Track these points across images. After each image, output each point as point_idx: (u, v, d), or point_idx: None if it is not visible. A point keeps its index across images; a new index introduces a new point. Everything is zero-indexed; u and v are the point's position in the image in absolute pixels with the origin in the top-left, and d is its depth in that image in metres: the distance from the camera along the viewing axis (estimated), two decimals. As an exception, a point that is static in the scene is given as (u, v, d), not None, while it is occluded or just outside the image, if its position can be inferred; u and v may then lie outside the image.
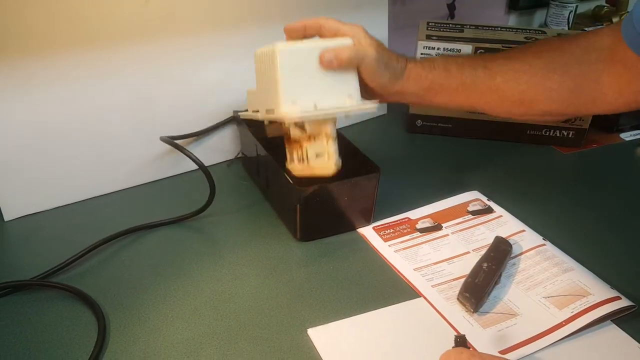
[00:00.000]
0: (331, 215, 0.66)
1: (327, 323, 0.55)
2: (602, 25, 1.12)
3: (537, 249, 0.64)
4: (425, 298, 0.58)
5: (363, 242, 0.66)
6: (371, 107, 0.56)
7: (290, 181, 0.63)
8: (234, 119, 0.81)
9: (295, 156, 0.58)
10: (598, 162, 0.84)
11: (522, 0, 1.14)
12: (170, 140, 0.71)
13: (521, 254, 0.63)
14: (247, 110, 0.67)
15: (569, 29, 1.09)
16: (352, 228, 0.68)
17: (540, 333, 0.53)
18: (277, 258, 0.64)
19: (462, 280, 0.58)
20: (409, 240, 0.66)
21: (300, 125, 0.56)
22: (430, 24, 0.89)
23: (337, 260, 0.63)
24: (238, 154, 0.82)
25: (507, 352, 0.51)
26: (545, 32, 0.88)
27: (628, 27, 0.52)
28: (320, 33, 0.58)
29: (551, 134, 0.86)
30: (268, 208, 0.73)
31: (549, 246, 0.64)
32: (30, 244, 0.67)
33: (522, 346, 0.52)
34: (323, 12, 0.60)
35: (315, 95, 0.54)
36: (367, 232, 0.68)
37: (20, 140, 0.67)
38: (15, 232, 0.69)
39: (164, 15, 0.70)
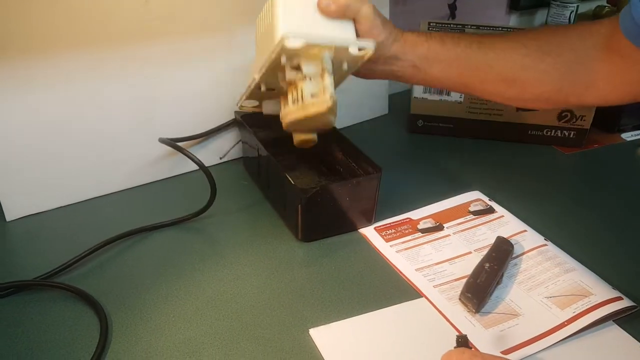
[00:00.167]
0: (333, 215, 0.66)
1: (329, 323, 0.55)
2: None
3: (538, 249, 0.64)
4: (427, 298, 0.58)
5: (365, 242, 0.66)
6: (369, 45, 0.56)
7: (292, 182, 0.63)
8: (235, 121, 0.81)
9: (290, 99, 0.57)
10: (599, 163, 0.84)
11: (523, 0, 1.14)
12: (169, 141, 0.71)
13: (523, 254, 0.63)
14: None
15: (570, 29, 1.09)
16: (354, 228, 0.68)
17: (542, 333, 0.53)
18: (279, 258, 0.64)
19: (464, 280, 0.58)
20: (410, 240, 0.66)
21: (296, 66, 0.55)
22: (431, 24, 0.88)
23: (339, 260, 0.63)
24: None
25: (509, 353, 0.51)
26: (546, 32, 0.88)
27: (626, 17, 0.52)
28: None
29: (552, 134, 0.86)
30: (269, 208, 0.73)
31: (551, 246, 0.64)
32: (32, 244, 0.67)
33: (524, 346, 0.52)
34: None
35: (313, 28, 0.55)
36: (369, 232, 0.68)
37: (21, 141, 0.68)
38: (17, 232, 0.69)
39: (164, 15, 0.70)
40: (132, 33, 0.69)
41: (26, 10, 0.62)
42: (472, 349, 0.46)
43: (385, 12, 0.90)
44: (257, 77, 0.60)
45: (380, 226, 0.69)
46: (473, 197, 0.74)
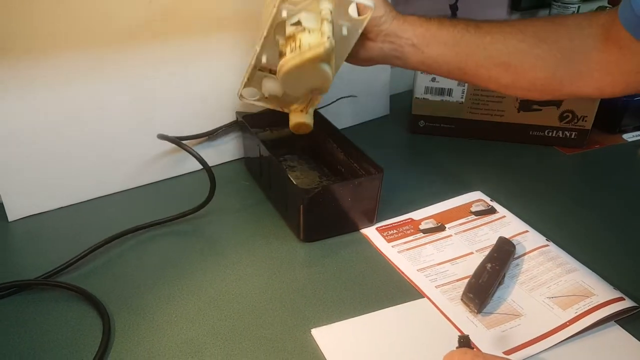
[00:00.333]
0: (334, 216, 0.66)
1: (331, 323, 0.55)
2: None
3: (540, 249, 0.64)
4: (428, 298, 0.58)
5: (366, 242, 0.66)
6: (368, 3, 0.58)
7: (294, 182, 0.63)
8: (237, 122, 0.81)
9: (287, 50, 0.57)
10: (601, 163, 0.84)
11: (524, 1, 1.14)
12: (168, 137, 0.71)
13: (524, 254, 0.63)
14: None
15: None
16: (356, 229, 0.68)
17: (544, 334, 0.53)
18: (281, 258, 0.64)
19: (466, 280, 0.58)
20: (412, 240, 0.66)
21: (296, 22, 0.56)
22: (432, 24, 0.89)
23: (341, 260, 0.63)
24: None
25: (511, 353, 0.51)
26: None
27: (626, 8, 0.52)
28: None
29: (554, 135, 0.86)
30: (271, 208, 0.73)
31: (552, 247, 0.64)
32: (34, 244, 0.67)
33: (526, 347, 0.52)
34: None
35: None
36: (371, 232, 0.68)
37: (23, 141, 0.68)
38: (19, 232, 0.69)
39: (167, 15, 0.70)
40: (134, 33, 0.70)
41: (28, 11, 0.62)
42: (474, 350, 0.46)
43: (387, 13, 0.90)
44: (258, 47, 0.60)
45: (382, 226, 0.69)
46: (475, 198, 0.74)
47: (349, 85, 0.86)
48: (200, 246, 0.67)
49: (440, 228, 0.69)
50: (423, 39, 0.61)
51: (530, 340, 0.52)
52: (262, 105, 0.70)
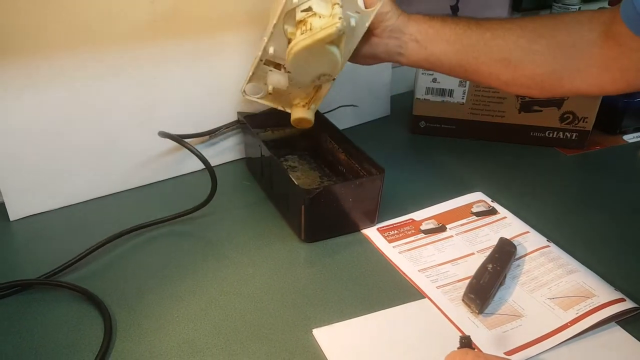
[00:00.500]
0: (336, 216, 0.66)
1: (332, 323, 0.55)
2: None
3: (541, 250, 0.64)
4: (430, 299, 0.58)
5: (367, 243, 0.67)
6: None
7: (295, 182, 0.63)
8: (238, 122, 0.81)
9: (298, 32, 0.58)
10: (601, 164, 0.84)
11: (525, 2, 1.14)
12: (169, 134, 0.70)
13: (525, 255, 0.63)
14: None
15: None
16: (357, 229, 0.68)
17: (545, 334, 0.53)
18: (282, 259, 0.64)
19: (467, 281, 0.58)
20: (413, 241, 0.67)
21: (307, 8, 0.57)
22: (434, 25, 0.89)
23: (342, 261, 0.63)
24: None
25: (512, 354, 0.51)
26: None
27: (627, 4, 0.52)
28: None
29: (554, 136, 0.87)
30: (272, 209, 0.73)
31: (553, 247, 0.64)
32: (35, 244, 0.67)
33: (527, 347, 0.52)
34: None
35: None
36: (372, 233, 0.68)
37: (24, 140, 0.68)
38: (20, 231, 0.69)
39: (168, 15, 0.70)
40: (135, 33, 0.70)
41: (28, 11, 0.62)
42: (476, 350, 0.46)
43: (388, 14, 0.90)
44: (266, 37, 0.61)
45: (383, 227, 0.69)
46: (475, 199, 0.74)
47: (350, 85, 0.86)
48: (202, 246, 0.67)
49: (441, 229, 0.69)
50: (426, 35, 0.62)
51: (531, 341, 0.52)
52: (264, 103, 0.70)
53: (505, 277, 0.59)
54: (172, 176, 0.80)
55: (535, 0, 1.15)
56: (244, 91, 0.69)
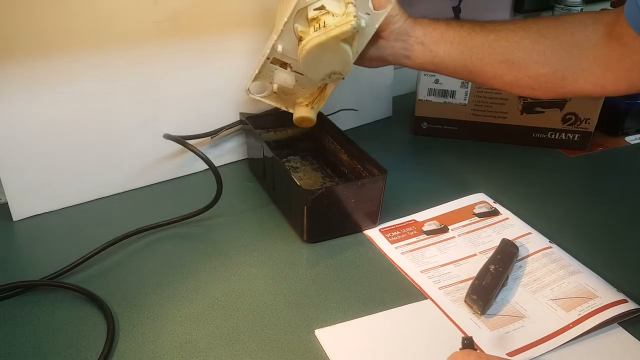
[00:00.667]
0: (338, 217, 0.66)
1: (335, 324, 0.55)
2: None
3: (543, 251, 0.64)
4: (432, 300, 0.58)
5: (369, 243, 0.67)
6: None
7: (298, 183, 0.63)
8: (241, 121, 0.81)
9: (311, 30, 0.58)
10: (603, 165, 0.84)
11: (527, 3, 1.14)
12: (174, 137, 0.71)
13: (528, 256, 0.63)
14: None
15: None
16: (359, 230, 0.68)
17: (548, 335, 0.53)
18: (284, 259, 0.64)
19: (469, 282, 0.58)
20: (415, 242, 0.67)
21: (320, 7, 0.58)
22: (436, 26, 0.89)
23: (344, 261, 0.64)
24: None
25: (515, 355, 0.51)
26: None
27: (632, 5, 0.52)
28: None
29: (557, 137, 0.87)
30: (274, 210, 0.73)
31: (556, 249, 0.64)
32: (39, 244, 0.67)
33: (529, 348, 0.52)
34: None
35: None
36: (374, 234, 0.68)
37: (28, 141, 0.68)
38: (24, 232, 0.69)
39: (171, 16, 0.71)
40: (138, 34, 0.70)
41: (31, 12, 0.62)
42: (478, 351, 0.46)
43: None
44: (275, 35, 0.61)
45: (385, 228, 0.69)
46: (478, 200, 0.74)
47: (352, 87, 0.86)
48: (204, 247, 0.67)
49: (443, 230, 0.69)
50: (431, 38, 0.63)
51: (534, 342, 0.52)
52: (268, 102, 0.70)
53: (507, 278, 0.59)
54: (175, 177, 0.80)
55: (537, 1, 1.14)
56: (249, 90, 0.69)
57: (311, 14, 0.58)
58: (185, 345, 0.53)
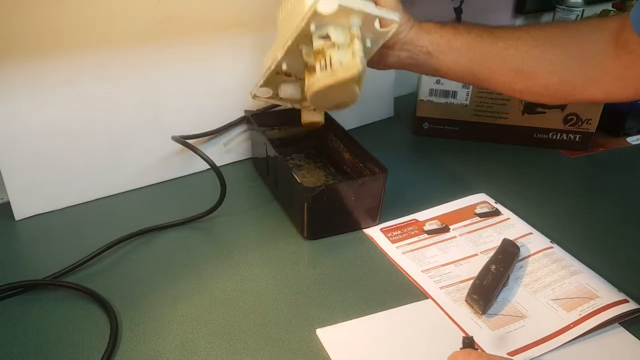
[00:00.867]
0: (338, 214, 0.66)
1: (336, 323, 0.55)
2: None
3: (544, 251, 0.64)
4: (433, 299, 0.58)
5: (370, 242, 0.67)
6: (395, 18, 0.59)
7: (298, 180, 0.63)
8: (245, 120, 0.81)
9: (317, 68, 0.57)
10: (605, 166, 0.84)
11: (529, 4, 1.14)
12: (183, 140, 0.71)
13: (529, 256, 0.63)
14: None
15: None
16: (359, 228, 0.69)
17: (548, 335, 0.53)
18: (285, 258, 0.64)
19: (470, 282, 0.58)
20: (416, 242, 0.67)
21: (324, 35, 0.56)
22: (437, 27, 0.89)
23: (345, 260, 0.64)
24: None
25: (515, 354, 0.51)
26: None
27: (638, 12, 0.52)
28: None
29: (558, 138, 0.87)
30: (277, 207, 0.73)
31: (557, 249, 0.64)
32: (41, 244, 0.68)
33: (530, 348, 0.52)
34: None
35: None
36: (375, 233, 0.68)
37: (30, 141, 0.68)
38: (26, 231, 0.70)
39: (175, 16, 0.71)
40: (141, 34, 0.70)
41: (33, 12, 0.63)
42: (478, 351, 0.47)
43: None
44: (279, 54, 0.60)
45: (386, 227, 0.69)
46: (479, 200, 0.74)
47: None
48: (206, 246, 0.67)
49: (444, 229, 0.69)
50: (438, 47, 0.62)
51: (534, 341, 0.52)
52: (275, 102, 0.70)
53: (508, 278, 0.59)
54: (178, 176, 0.80)
55: (538, 2, 1.15)
56: (255, 95, 0.69)
57: (316, 43, 0.57)
58: (187, 343, 0.53)
